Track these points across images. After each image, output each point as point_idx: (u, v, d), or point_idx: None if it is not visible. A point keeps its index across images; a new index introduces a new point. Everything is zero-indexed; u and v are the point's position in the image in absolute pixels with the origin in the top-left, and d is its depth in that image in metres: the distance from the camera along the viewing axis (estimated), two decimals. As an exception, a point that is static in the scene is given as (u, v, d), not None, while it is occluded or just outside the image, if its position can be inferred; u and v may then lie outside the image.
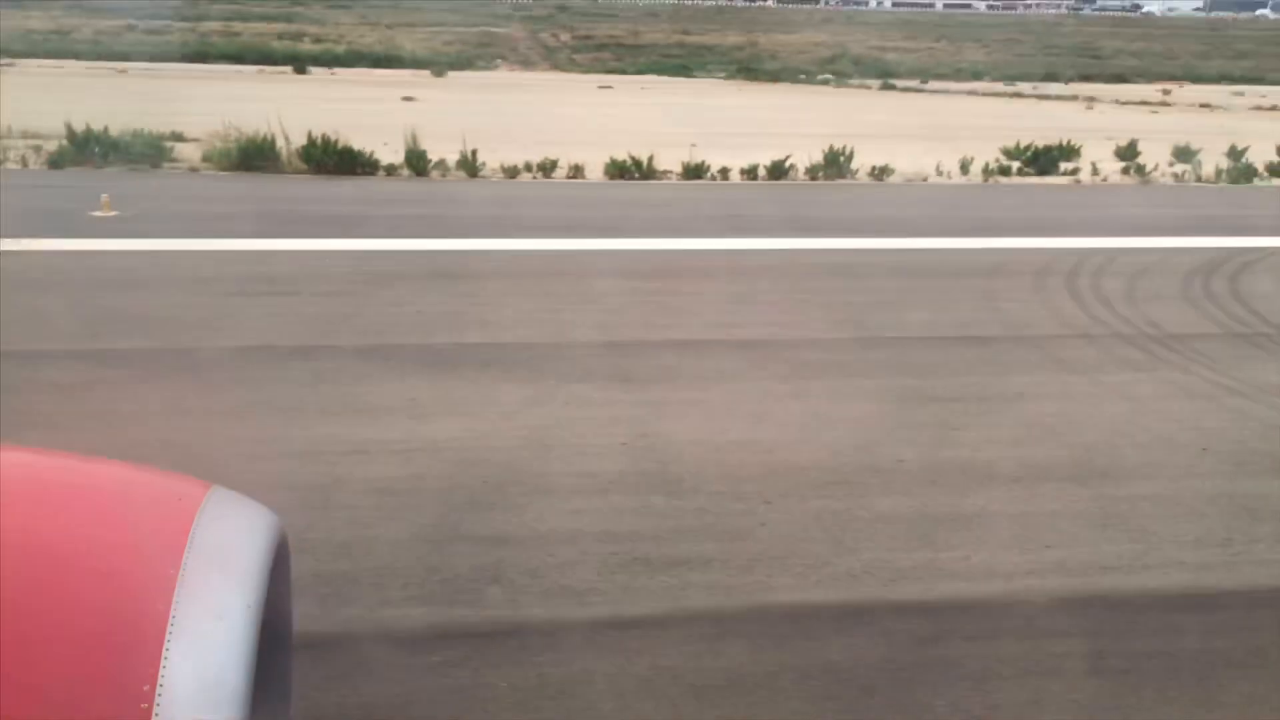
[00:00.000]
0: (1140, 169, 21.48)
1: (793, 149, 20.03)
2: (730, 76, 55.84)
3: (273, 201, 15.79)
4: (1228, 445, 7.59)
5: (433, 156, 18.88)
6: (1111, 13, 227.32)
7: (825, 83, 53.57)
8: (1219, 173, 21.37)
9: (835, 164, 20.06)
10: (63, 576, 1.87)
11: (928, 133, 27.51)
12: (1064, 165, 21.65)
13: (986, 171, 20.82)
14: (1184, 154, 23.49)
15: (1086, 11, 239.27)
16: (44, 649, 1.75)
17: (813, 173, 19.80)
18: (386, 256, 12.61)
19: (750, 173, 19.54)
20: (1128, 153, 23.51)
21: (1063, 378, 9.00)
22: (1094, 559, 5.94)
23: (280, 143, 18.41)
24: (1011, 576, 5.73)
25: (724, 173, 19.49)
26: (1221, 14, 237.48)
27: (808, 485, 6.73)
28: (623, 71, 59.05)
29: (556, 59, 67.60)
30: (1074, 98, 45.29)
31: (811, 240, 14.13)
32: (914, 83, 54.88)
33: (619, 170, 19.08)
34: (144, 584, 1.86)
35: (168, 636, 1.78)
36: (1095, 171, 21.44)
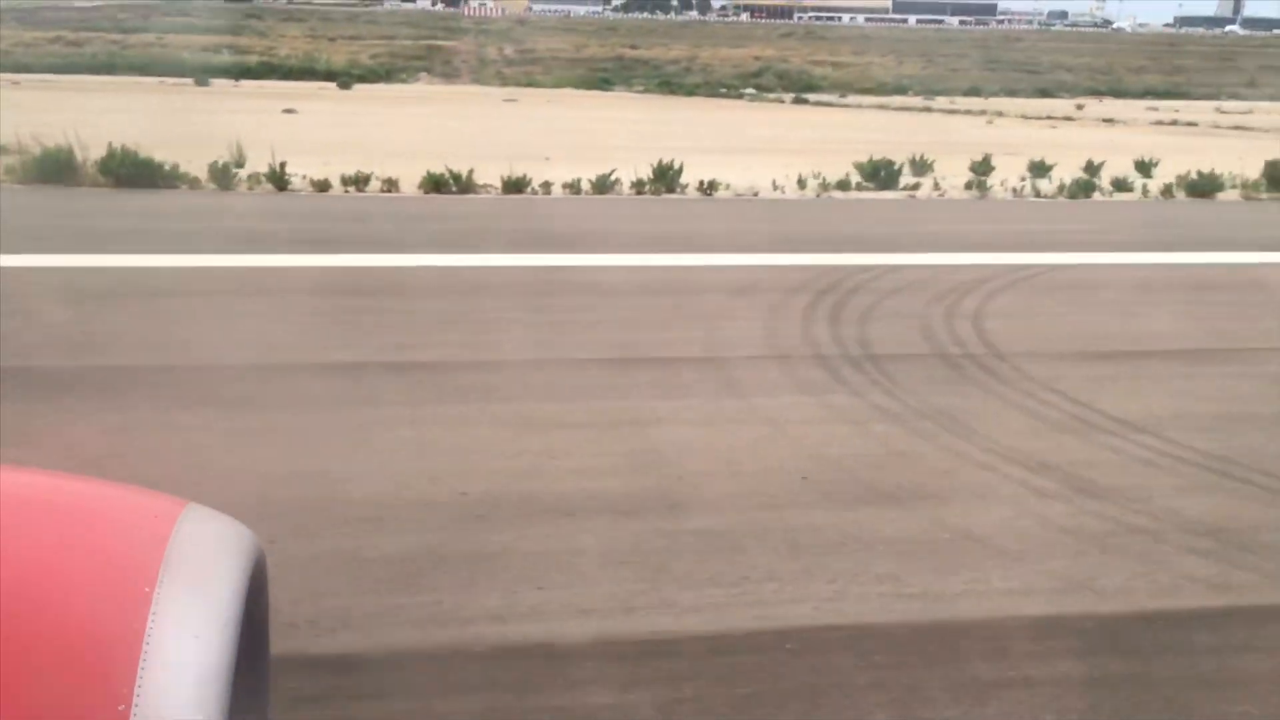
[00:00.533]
0: (982, 184, 21.22)
1: (651, 162, 19.75)
2: (647, 90, 55.62)
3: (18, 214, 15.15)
4: (833, 474, 7.18)
5: (263, 169, 18.41)
6: (1082, 28, 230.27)
7: (742, 97, 53.42)
8: (1061, 188, 21.15)
9: (664, 178, 19.68)
10: (32, 595, 1.80)
11: (801, 147, 27.26)
12: (906, 180, 21.39)
13: (824, 186, 20.50)
14: (1039, 169, 23.30)
15: (1057, 27, 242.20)
16: (12, 670, 1.68)
17: (639, 187, 19.42)
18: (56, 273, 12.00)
19: (573, 187, 19.13)
20: (980, 167, 23.31)
21: (719, 402, 8.58)
22: (578, 601, 5.50)
23: (79, 155, 17.85)
24: (468, 622, 5.27)
25: (546, 186, 19.06)
26: (1192, 30, 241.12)
27: (336, 522, 6.26)
28: (544, 85, 58.73)
29: (482, 73, 67.11)
30: (982, 112, 45.26)
31: (574, 256, 13.72)
32: (833, 96, 54.87)
33: (434, 184, 18.62)
34: (118, 603, 1.80)
35: (142, 656, 1.73)
36: (936, 186, 21.18)
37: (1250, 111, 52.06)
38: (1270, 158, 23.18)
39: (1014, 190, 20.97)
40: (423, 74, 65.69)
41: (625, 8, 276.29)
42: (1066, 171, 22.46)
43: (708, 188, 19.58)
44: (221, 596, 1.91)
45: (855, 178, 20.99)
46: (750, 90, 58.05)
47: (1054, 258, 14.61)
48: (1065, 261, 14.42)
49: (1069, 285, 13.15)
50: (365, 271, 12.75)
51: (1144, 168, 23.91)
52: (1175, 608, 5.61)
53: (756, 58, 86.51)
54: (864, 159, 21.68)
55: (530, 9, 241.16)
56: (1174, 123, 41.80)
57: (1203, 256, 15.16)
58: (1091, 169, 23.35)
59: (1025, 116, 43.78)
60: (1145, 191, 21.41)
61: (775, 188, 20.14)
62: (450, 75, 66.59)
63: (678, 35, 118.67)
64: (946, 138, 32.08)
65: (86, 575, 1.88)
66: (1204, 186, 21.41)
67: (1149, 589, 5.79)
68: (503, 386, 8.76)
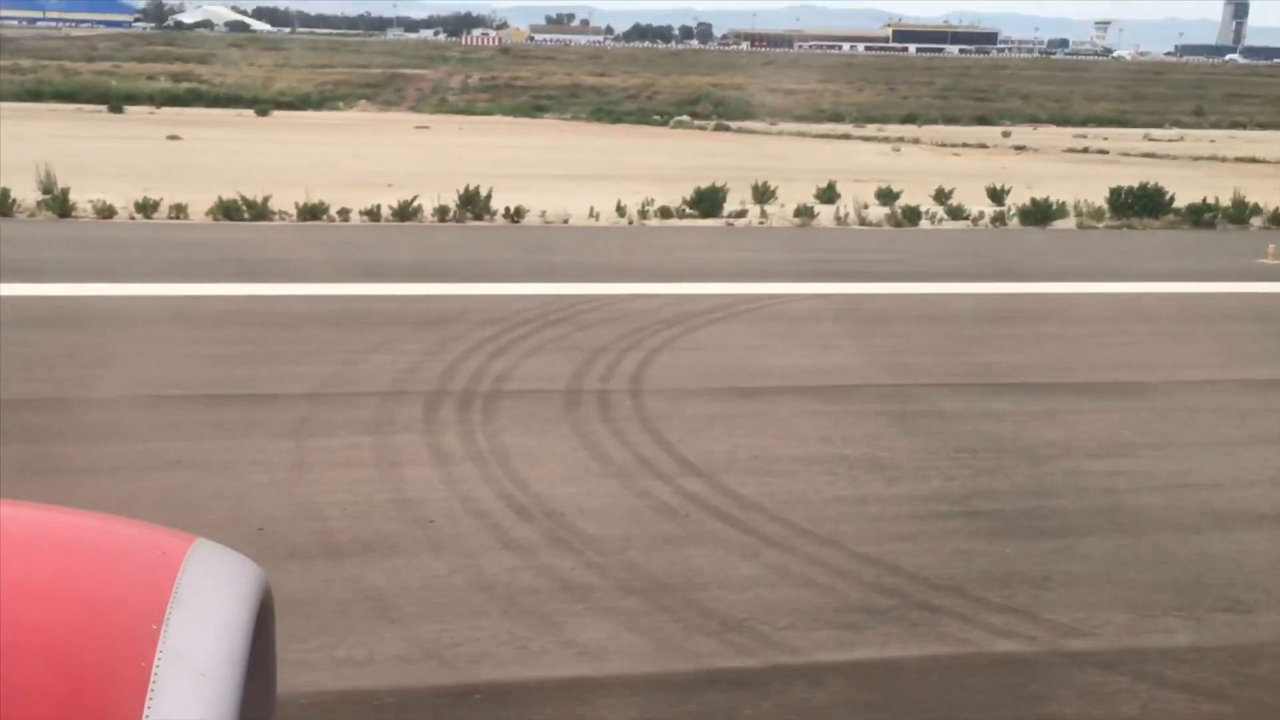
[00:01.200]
0: (809, 211, 20.77)
1: (511, 189, 19.52)
2: (576, 118, 55.42)
3: None
4: (299, 525, 6.64)
5: (94, 195, 18.11)
6: (1082, 56, 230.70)
7: (666, 124, 53.19)
8: (891, 215, 20.72)
9: (471, 205, 19.24)
10: (40, 631, 1.79)
11: (669, 174, 26.82)
12: (735, 207, 20.97)
13: (643, 214, 20.07)
14: (886, 196, 22.92)
15: (1058, 55, 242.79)
16: (20, 707, 1.69)
17: (441, 214, 18.97)
18: None
19: (373, 214, 18.67)
20: (825, 195, 22.94)
21: (268, 443, 8.04)
22: None
23: None
24: None
25: (343, 214, 18.61)
26: (1193, 58, 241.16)
27: None
28: (478, 112, 58.53)
29: (425, 100, 66.85)
30: (900, 139, 45.02)
31: (279, 286, 13.22)
32: (762, 124, 54.65)
33: (225, 211, 18.16)
34: (125, 639, 1.80)
35: (149, 694, 1.73)
36: (763, 214, 20.76)
37: (1180, 139, 52.00)
38: (1142, 183, 22.82)
39: (839, 218, 20.51)
40: (362, 101, 65.53)
41: (626, 37, 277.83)
42: (917, 198, 22.08)
43: (514, 215, 19.14)
44: (229, 634, 1.89)
45: (678, 205, 20.58)
46: (683, 117, 57.87)
47: (807, 287, 14.14)
48: (814, 291, 13.94)
49: (791, 317, 12.66)
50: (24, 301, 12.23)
51: (996, 195, 23.53)
52: (501, 679, 5.06)
53: (715, 85, 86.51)
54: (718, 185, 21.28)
55: (532, 39, 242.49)
56: (1085, 150, 41.51)
57: (958, 286, 14.69)
58: (941, 196, 22.99)
59: (940, 144, 43.50)
60: (976, 220, 20.98)
61: (592, 215, 19.70)
62: (391, 103, 66.39)
63: (658, 64, 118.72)
64: (831, 164, 31.77)
65: (93, 613, 1.87)
66: (1037, 215, 21.00)
67: (510, 657, 5.25)
68: (57, 428, 8.23)
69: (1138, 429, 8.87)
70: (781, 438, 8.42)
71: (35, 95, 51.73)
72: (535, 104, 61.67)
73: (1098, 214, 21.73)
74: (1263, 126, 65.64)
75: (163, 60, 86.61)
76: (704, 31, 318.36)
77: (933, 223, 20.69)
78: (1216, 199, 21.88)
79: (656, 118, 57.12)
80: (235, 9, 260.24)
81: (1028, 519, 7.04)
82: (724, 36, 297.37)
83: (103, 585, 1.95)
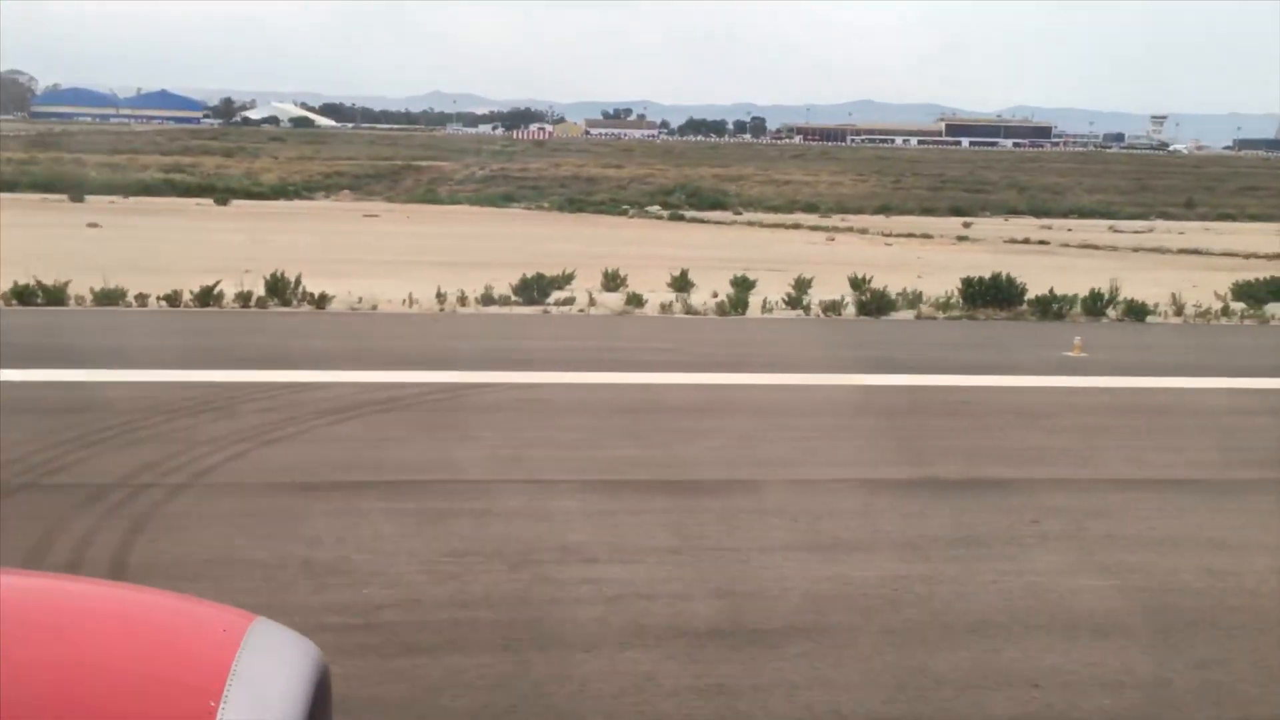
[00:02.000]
0: (638, 300, 20.36)
1: (361, 275, 19.69)
2: (548, 208, 55.72)
3: None
4: None
5: None
6: (1138, 150, 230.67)
7: (623, 213, 53.26)
8: (718, 304, 20.26)
9: (277, 291, 19.02)
10: (102, 707, 1.83)
11: (555, 261, 26.54)
12: (563, 295, 20.63)
13: (461, 301, 19.77)
14: (741, 284, 22.52)
15: (1114, 150, 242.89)
16: None
17: (244, 300, 18.76)
18: None
19: (171, 299, 18.50)
20: (678, 283, 22.60)
21: None
22: None
23: None
24: None
25: (141, 299, 18.45)
26: (1251, 152, 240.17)
27: None
28: (451, 202, 59.10)
29: (403, 191, 67.62)
30: (850, 229, 44.66)
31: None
32: (727, 214, 54.61)
33: (18, 295, 18.08)
34: (183, 716, 1.83)
35: None
36: (592, 302, 20.39)
37: (1150, 230, 51.33)
38: (995, 274, 22.24)
39: (663, 307, 20.06)
40: (344, 191, 66.40)
41: (681, 131, 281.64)
42: (777, 290, 21.67)
43: (319, 301, 18.89)
44: (286, 712, 1.91)
45: (502, 293, 20.28)
46: (654, 207, 58.02)
47: (525, 376, 13.65)
48: (526, 380, 13.45)
49: (468, 408, 12.15)
50: None
51: (856, 284, 23.04)
52: None
53: (715, 176, 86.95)
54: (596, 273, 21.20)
55: (587, 133, 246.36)
56: (1026, 241, 40.85)
57: (688, 377, 14.12)
58: (801, 285, 22.54)
59: (886, 235, 43.06)
60: (807, 309, 20.44)
61: (408, 302, 19.42)
62: (375, 193, 67.17)
63: (688, 156, 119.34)
64: (746, 254, 31.54)
65: (155, 688, 1.89)
66: (874, 305, 20.44)
67: None
68: None
69: (669, 530, 8.25)
70: (267, 537, 7.89)
71: (10, 186, 52.91)
72: (508, 194, 62.11)
73: (946, 305, 21.14)
74: (1252, 218, 64.75)
75: (196, 153, 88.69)
76: (758, 126, 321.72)
77: (764, 311, 20.19)
78: (1093, 290, 21.21)
79: (627, 208, 57.25)
80: (304, 106, 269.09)
81: (414, 632, 6.44)
82: (778, 130, 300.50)
83: (166, 661, 1.98)
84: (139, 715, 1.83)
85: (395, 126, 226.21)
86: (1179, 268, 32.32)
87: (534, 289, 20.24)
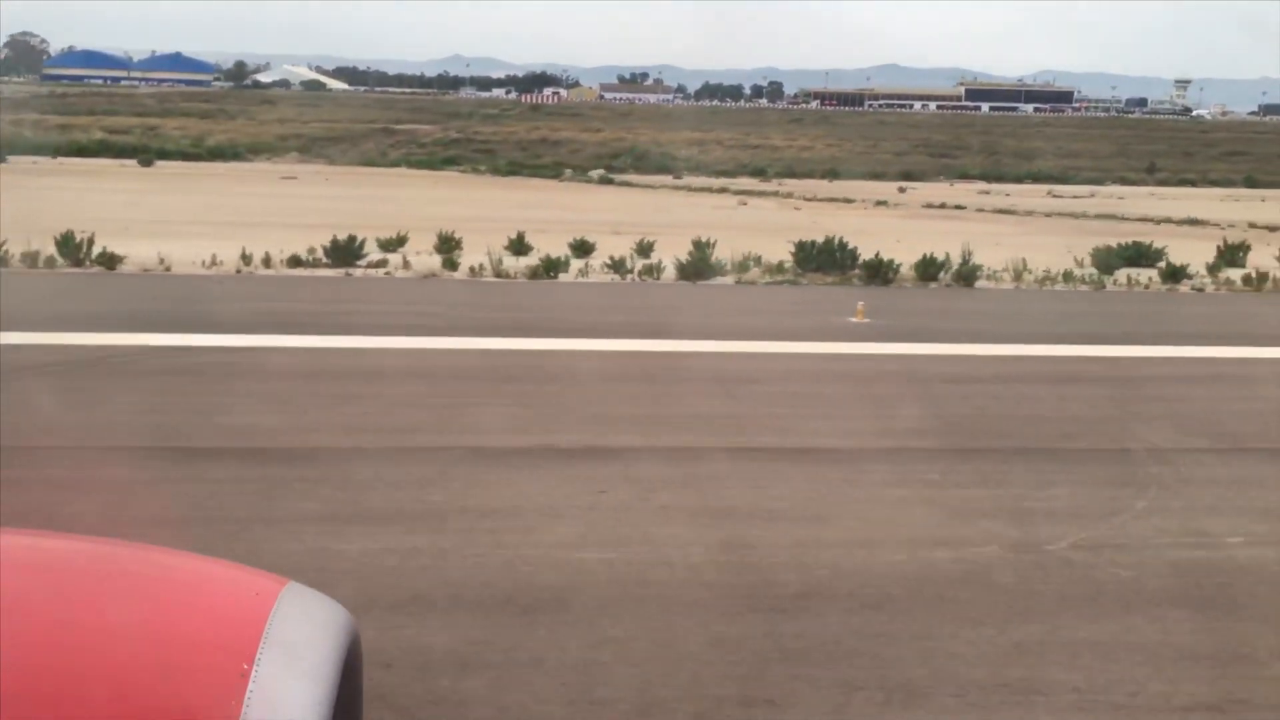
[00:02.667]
0: (452, 263, 19.94)
1: (230, 238, 19.56)
2: (485, 171, 55.10)
3: None
4: None
5: None
6: (1160, 115, 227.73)
7: (557, 177, 52.65)
8: (535, 269, 19.81)
9: (70, 251, 18.65)
10: (134, 668, 1.84)
11: (419, 224, 26.09)
12: (379, 256, 20.23)
13: (266, 262, 19.38)
14: (579, 248, 22.10)
15: (1135, 115, 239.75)
16: None
17: (32, 259, 18.40)
18: None
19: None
20: (515, 246, 22.18)
21: None
22: None
23: None
24: None
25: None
26: (1275, 117, 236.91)
27: None
28: (395, 165, 58.58)
29: (355, 155, 66.93)
30: (775, 193, 44.00)
31: None
32: (665, 178, 53.95)
33: None
34: (217, 679, 1.84)
35: None
36: (405, 264, 19.99)
37: (1090, 195, 50.63)
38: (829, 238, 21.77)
39: (472, 270, 19.63)
40: (293, 153, 65.77)
41: (697, 96, 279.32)
42: (676, 252, 21.19)
43: (108, 262, 18.52)
44: (318, 677, 1.93)
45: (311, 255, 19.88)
46: (596, 171, 57.36)
47: (233, 339, 13.26)
48: (235, 344, 13.08)
49: (136, 372, 11.79)
50: None
51: (700, 247, 22.57)
52: None
53: (693, 139, 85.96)
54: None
55: (602, 97, 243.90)
56: (943, 205, 40.21)
57: (423, 341, 13.74)
58: (644, 248, 22.11)
59: (809, 198, 42.45)
60: (625, 273, 19.99)
61: (211, 263, 19.05)
62: (320, 156, 66.44)
63: (685, 121, 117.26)
64: (643, 217, 31.14)
65: (186, 651, 1.91)
66: (694, 269, 20.00)
67: None
68: None
69: (215, 500, 7.90)
70: None
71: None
72: (452, 158, 61.51)
73: (778, 269, 20.69)
74: (1212, 184, 63.80)
75: (180, 115, 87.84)
76: (774, 90, 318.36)
77: (582, 275, 19.76)
78: (927, 254, 20.71)
79: (568, 171, 56.60)
80: (319, 69, 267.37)
81: None
82: (795, 96, 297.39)
83: (197, 623, 1.99)
84: (171, 676, 1.85)
85: (409, 90, 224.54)
86: (1079, 234, 31.71)
87: (346, 252, 19.81)
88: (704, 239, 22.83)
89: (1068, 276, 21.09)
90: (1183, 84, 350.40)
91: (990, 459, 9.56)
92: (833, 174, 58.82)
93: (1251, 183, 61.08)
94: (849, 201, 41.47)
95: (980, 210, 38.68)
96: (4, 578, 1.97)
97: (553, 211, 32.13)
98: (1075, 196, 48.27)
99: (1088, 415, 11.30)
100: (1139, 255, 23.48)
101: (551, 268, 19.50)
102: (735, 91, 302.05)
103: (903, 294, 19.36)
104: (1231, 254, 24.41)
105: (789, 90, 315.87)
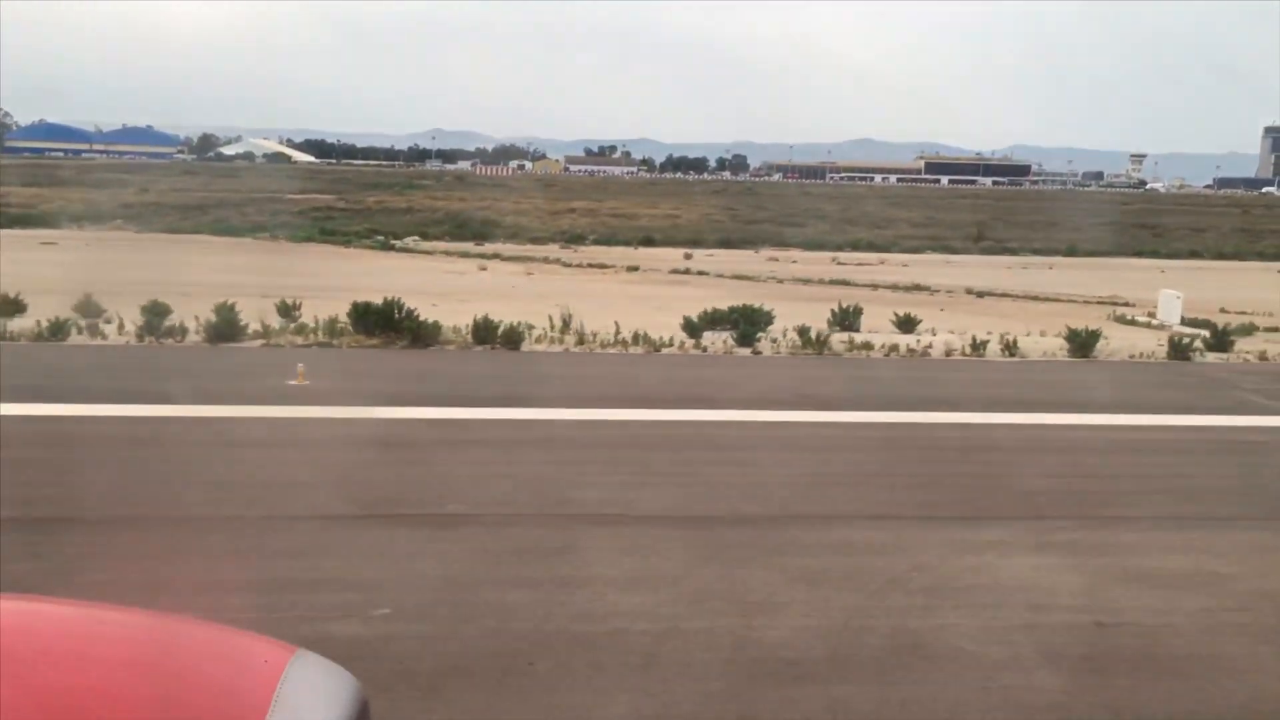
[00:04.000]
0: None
1: None
2: (272, 237, 54.14)
3: None
4: None
5: None
6: (1117, 188, 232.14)
7: (347, 244, 52.04)
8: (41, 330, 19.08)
9: None
10: None
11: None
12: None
13: None
14: (151, 310, 21.38)
15: (1093, 187, 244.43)
16: None
17: None
18: None
19: None
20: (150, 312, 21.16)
21: None
22: None
23: None
24: None
25: None
26: (1231, 191, 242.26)
27: None
28: (187, 230, 57.93)
29: (177, 220, 66.00)
30: (541, 259, 43.71)
31: None
32: (467, 244, 53.44)
33: None
34: None
35: None
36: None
37: (880, 263, 50.73)
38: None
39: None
40: (118, 220, 64.79)
41: (662, 168, 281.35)
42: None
43: None
44: None
45: None
46: (411, 238, 56.81)
47: None
48: None
49: None
50: None
51: (285, 310, 22.09)
52: None
53: (566, 209, 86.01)
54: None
55: (567, 169, 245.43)
56: (687, 271, 40.09)
57: None
58: (228, 310, 21.37)
59: (568, 263, 42.20)
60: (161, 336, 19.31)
61: None
62: (138, 222, 64.90)
63: (601, 193, 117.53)
64: (330, 282, 30.66)
65: (196, 716, 1.93)
66: (216, 332, 19.43)
67: None
68: None
69: None
70: None
71: None
72: (255, 224, 60.83)
73: (332, 329, 20.19)
74: (1035, 252, 63.54)
75: (57, 184, 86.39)
76: (738, 163, 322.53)
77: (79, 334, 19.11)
78: (478, 317, 20.26)
79: (379, 238, 55.91)
80: (288, 142, 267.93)
81: None
82: (758, 168, 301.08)
83: (210, 691, 2.01)
84: None
85: (371, 163, 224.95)
86: (794, 299, 31.53)
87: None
88: (290, 301, 22.37)
89: (642, 339, 20.51)
90: (1138, 158, 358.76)
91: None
92: (648, 241, 58.67)
93: (1071, 252, 61.29)
94: (604, 268, 41.21)
95: (720, 276, 38.62)
96: (15, 643, 1.91)
97: (236, 275, 31.53)
98: (860, 264, 48.41)
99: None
100: (743, 318, 23.01)
101: (58, 330, 18.88)
102: (699, 164, 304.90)
103: (416, 356, 18.91)
104: (844, 317, 24.36)
105: (754, 163, 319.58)
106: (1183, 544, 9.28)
